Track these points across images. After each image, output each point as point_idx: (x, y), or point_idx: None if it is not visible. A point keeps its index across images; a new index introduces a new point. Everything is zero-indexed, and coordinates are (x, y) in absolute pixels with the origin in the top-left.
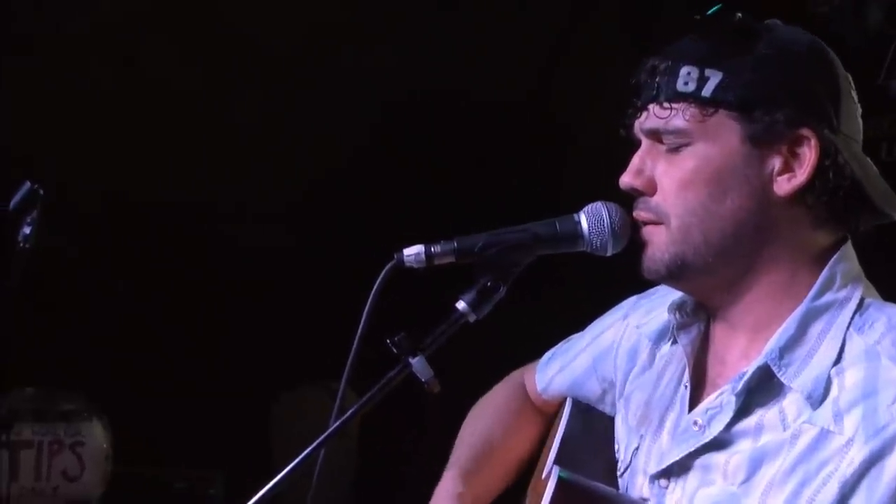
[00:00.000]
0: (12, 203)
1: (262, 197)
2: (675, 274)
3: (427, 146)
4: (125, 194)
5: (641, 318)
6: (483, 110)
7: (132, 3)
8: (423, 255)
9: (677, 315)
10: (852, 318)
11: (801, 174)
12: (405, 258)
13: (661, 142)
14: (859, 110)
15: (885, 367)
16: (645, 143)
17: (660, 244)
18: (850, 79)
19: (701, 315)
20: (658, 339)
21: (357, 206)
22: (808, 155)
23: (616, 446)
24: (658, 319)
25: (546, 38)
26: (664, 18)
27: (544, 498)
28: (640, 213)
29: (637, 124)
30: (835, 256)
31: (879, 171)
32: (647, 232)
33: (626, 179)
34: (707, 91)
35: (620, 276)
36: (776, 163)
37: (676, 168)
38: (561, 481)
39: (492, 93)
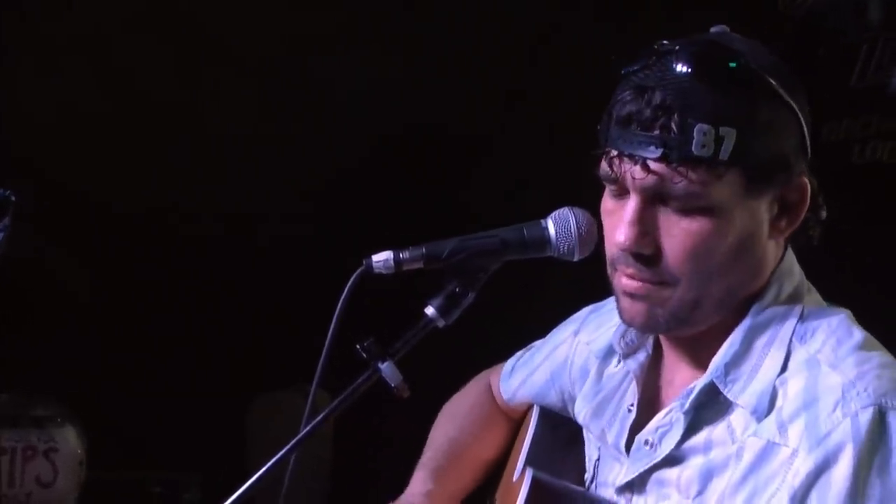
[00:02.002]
0: None
1: (239, 202)
2: (671, 328)
3: (409, 145)
4: (100, 198)
5: (591, 333)
6: (462, 108)
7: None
8: (392, 262)
9: (622, 343)
10: (794, 328)
11: (797, 218)
12: (374, 264)
13: (663, 201)
14: None
15: (824, 374)
16: (641, 198)
17: (662, 302)
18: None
19: (647, 338)
20: (605, 356)
21: (335, 211)
22: (804, 200)
23: (584, 454)
24: (606, 336)
25: (527, 32)
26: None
27: (519, 498)
28: (643, 276)
29: (629, 173)
30: (779, 269)
31: (851, 173)
32: (644, 288)
33: (628, 244)
34: (724, 154)
35: (587, 280)
36: (774, 208)
37: (688, 233)
38: (535, 481)
39: (472, 91)
